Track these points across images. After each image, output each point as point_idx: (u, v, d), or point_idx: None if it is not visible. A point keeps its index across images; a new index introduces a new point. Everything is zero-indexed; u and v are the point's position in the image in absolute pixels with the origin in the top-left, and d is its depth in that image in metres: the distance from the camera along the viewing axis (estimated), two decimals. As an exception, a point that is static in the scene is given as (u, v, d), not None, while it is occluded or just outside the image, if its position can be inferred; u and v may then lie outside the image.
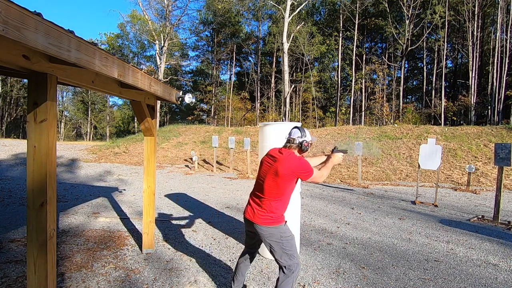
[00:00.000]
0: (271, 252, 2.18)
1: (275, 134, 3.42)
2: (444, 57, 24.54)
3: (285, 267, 2.14)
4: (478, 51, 22.91)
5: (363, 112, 29.41)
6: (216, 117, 33.44)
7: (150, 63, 36.14)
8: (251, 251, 2.47)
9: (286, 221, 2.24)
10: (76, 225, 4.48)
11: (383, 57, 29.26)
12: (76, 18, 64.53)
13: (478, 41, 22.92)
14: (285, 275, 2.14)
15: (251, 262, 2.52)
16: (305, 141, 2.19)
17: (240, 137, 16.00)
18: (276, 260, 2.18)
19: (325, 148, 13.52)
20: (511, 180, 9.20)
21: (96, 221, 4.76)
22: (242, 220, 5.09)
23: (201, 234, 4.26)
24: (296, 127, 2.26)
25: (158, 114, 20.83)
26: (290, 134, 2.24)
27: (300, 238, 3.75)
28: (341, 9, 26.86)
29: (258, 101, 32.29)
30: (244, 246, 2.55)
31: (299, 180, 2.27)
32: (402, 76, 26.49)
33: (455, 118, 24.97)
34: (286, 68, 21.75)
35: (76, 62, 1.68)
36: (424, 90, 28.13)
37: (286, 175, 2.08)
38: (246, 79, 33.55)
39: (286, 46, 21.47)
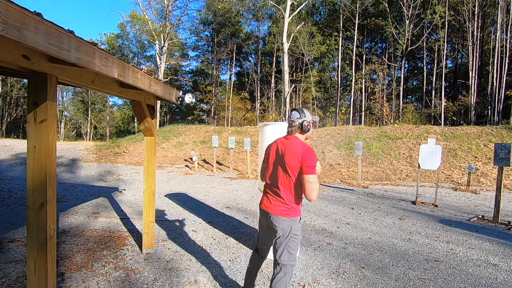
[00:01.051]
0: (273, 244, 2.16)
1: (275, 134, 3.41)
2: (444, 57, 24.54)
3: (279, 264, 2.11)
4: (478, 51, 22.91)
5: (363, 112, 29.41)
6: (216, 117, 33.44)
7: (150, 63, 36.16)
8: (263, 248, 2.38)
9: (300, 217, 2.17)
10: (76, 225, 4.48)
11: (383, 57, 29.25)
12: (76, 18, 64.55)
13: (478, 41, 22.92)
14: (282, 272, 2.11)
15: (262, 262, 2.45)
16: (305, 121, 2.12)
17: (240, 137, 16.00)
18: (274, 255, 2.16)
19: (325, 148, 13.51)
20: (511, 180, 9.20)
21: (96, 221, 4.75)
22: (242, 220, 5.10)
23: (201, 234, 4.26)
24: (294, 109, 2.20)
25: (158, 114, 20.84)
26: (290, 117, 2.19)
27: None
28: (341, 9, 26.87)
29: (258, 101, 32.28)
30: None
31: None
32: (402, 76, 26.48)
33: (455, 118, 24.97)
34: (286, 68, 21.75)
35: (76, 62, 1.68)
36: (424, 90, 28.13)
37: (293, 163, 2.04)
38: (246, 79, 33.55)
39: (286, 46, 21.47)
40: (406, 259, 3.51)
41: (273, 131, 3.44)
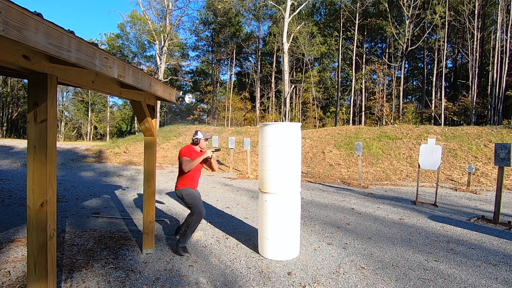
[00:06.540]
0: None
1: (275, 134, 3.41)
2: (444, 57, 24.52)
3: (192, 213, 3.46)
4: (478, 51, 22.91)
5: (363, 112, 29.40)
6: (216, 117, 33.44)
7: (150, 63, 36.12)
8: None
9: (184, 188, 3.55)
10: (76, 225, 4.49)
11: (383, 57, 29.25)
12: (76, 18, 64.53)
13: (478, 41, 22.91)
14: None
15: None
16: (195, 138, 3.59)
17: (240, 137, 16.00)
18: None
19: (325, 148, 13.52)
20: (511, 180, 9.20)
21: (96, 221, 4.76)
22: (242, 220, 5.10)
23: (201, 234, 4.26)
24: (195, 131, 3.71)
25: (158, 114, 20.84)
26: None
27: (300, 238, 3.75)
28: (342, 9, 26.86)
29: (258, 101, 32.28)
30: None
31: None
32: (402, 76, 26.47)
33: (455, 118, 24.95)
34: (286, 68, 21.76)
35: (76, 62, 1.68)
36: (424, 90, 28.13)
37: (178, 158, 3.53)
38: (246, 79, 33.54)
39: (286, 46, 21.47)
40: (406, 259, 3.51)
41: (273, 131, 3.44)
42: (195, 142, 3.59)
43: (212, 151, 3.55)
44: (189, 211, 3.55)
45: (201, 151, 3.65)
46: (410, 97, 34.41)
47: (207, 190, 7.95)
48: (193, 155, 3.48)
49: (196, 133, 3.59)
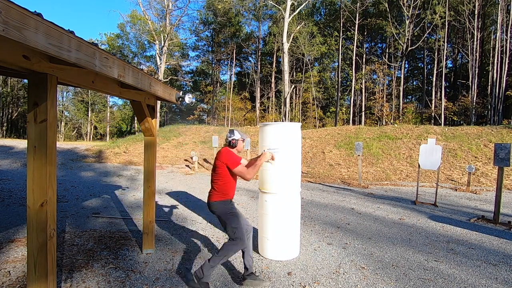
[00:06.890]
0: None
1: (275, 134, 3.41)
2: (444, 57, 24.52)
3: (232, 239, 2.74)
4: (478, 51, 22.91)
5: (363, 112, 29.39)
6: (216, 117, 33.44)
7: (150, 63, 36.11)
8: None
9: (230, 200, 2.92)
10: (76, 225, 4.49)
11: (383, 57, 29.25)
12: (76, 18, 64.55)
13: (478, 41, 22.91)
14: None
15: None
16: (233, 139, 2.90)
17: (240, 137, 15.98)
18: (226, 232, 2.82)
19: (325, 148, 13.51)
20: (511, 180, 9.20)
21: (96, 221, 4.76)
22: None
23: (201, 234, 4.26)
24: (229, 130, 2.99)
25: (158, 114, 20.83)
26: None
27: (300, 238, 3.75)
28: (342, 9, 26.87)
29: (258, 101, 32.27)
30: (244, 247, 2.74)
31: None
32: (402, 76, 26.47)
33: (455, 118, 24.95)
34: (286, 68, 21.75)
35: (76, 62, 1.68)
36: (424, 90, 28.13)
37: (219, 164, 2.82)
38: (246, 79, 33.54)
39: (286, 46, 21.47)
40: (406, 259, 3.51)
41: (273, 131, 3.44)
42: (233, 145, 2.89)
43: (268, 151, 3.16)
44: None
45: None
46: (410, 97, 34.42)
47: (207, 190, 7.94)
48: (240, 160, 2.85)
49: (232, 132, 2.92)
